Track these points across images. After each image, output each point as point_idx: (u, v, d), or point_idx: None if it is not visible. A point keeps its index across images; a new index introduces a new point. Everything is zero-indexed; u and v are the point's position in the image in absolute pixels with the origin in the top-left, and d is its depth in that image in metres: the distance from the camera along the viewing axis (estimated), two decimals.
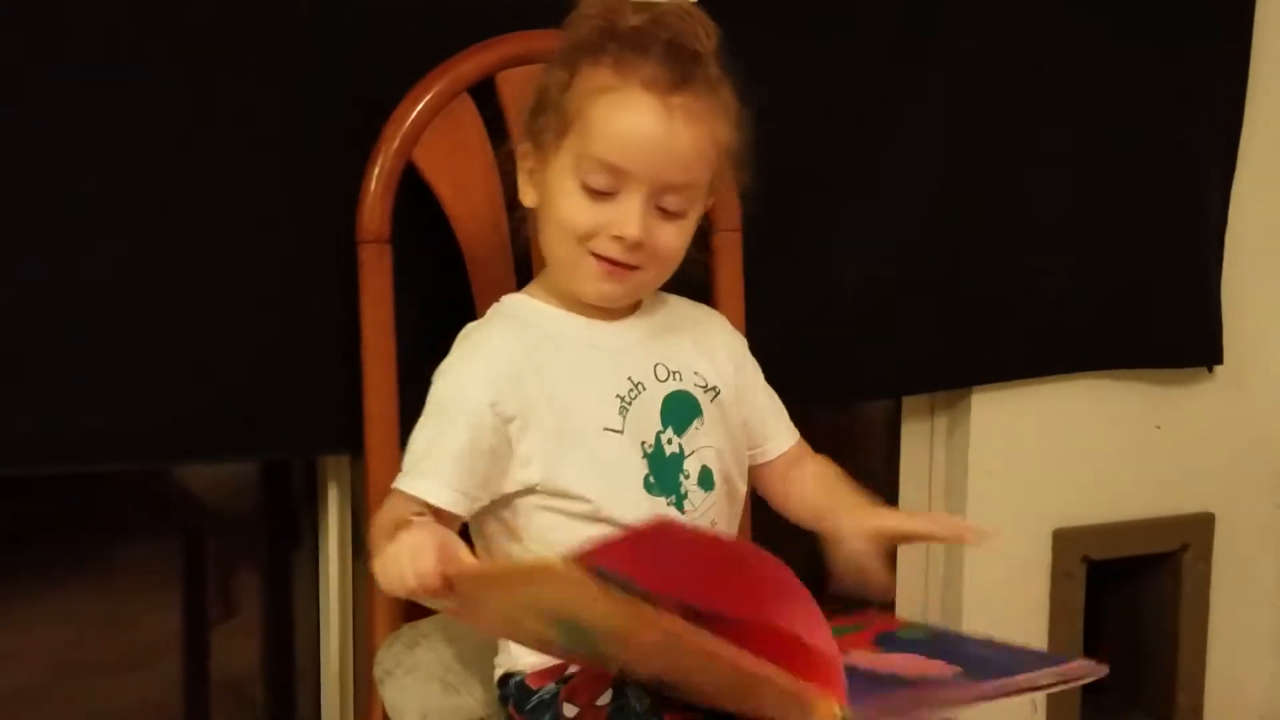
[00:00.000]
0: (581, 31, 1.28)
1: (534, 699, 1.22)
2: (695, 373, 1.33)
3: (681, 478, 1.30)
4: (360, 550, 1.59)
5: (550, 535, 1.26)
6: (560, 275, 1.30)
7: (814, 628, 1.07)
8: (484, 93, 1.45)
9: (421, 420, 1.27)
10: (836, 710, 1.02)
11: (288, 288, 1.44)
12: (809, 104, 1.66)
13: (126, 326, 1.39)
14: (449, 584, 1.10)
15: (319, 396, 1.46)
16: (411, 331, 1.44)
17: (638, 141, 1.23)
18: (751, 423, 1.38)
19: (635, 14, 1.26)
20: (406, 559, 1.10)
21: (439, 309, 1.46)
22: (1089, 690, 1.99)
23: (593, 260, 1.26)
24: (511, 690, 1.25)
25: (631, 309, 1.33)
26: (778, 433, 1.41)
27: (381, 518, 1.23)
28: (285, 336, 1.45)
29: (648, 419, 1.29)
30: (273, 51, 1.41)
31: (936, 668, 1.16)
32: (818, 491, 1.38)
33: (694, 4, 1.29)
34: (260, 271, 1.43)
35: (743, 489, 1.37)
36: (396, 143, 1.42)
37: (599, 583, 0.98)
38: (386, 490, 1.41)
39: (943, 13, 1.72)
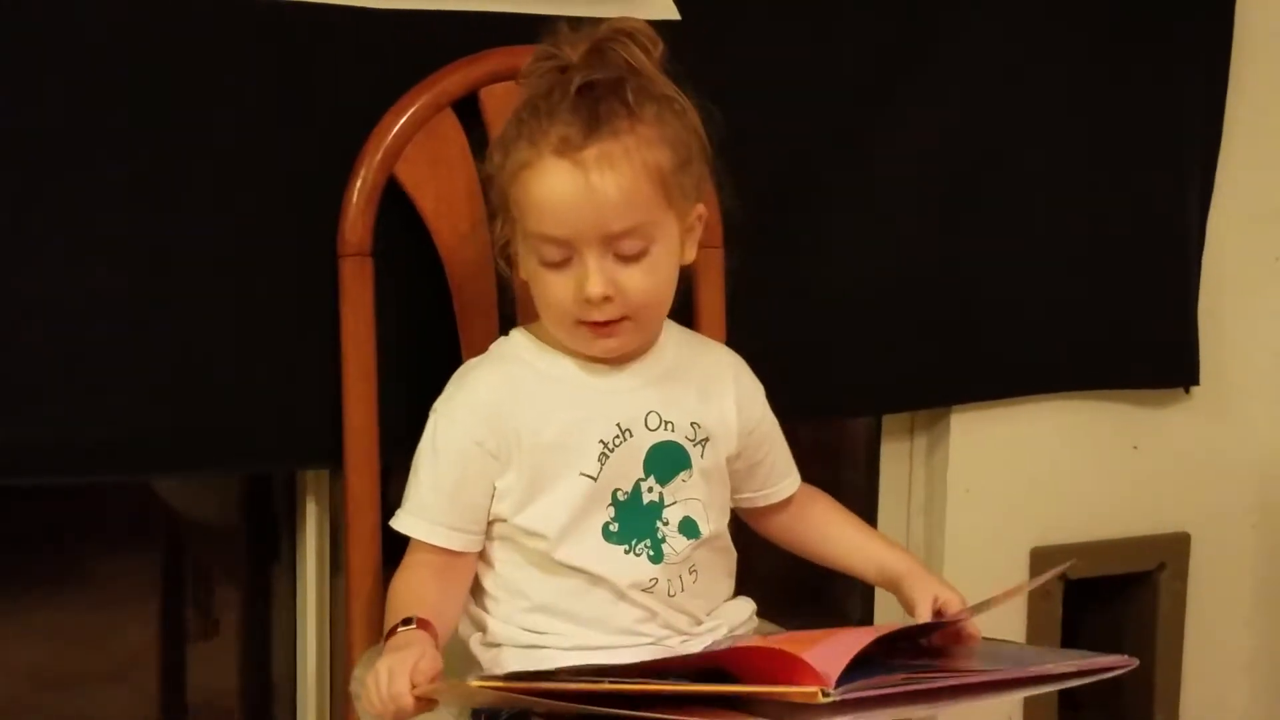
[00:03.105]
0: (530, 86, 1.28)
1: (505, 712, 1.22)
2: (692, 424, 1.33)
3: (659, 524, 1.30)
4: (338, 565, 1.58)
5: (509, 569, 1.30)
6: (562, 339, 1.31)
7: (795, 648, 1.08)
8: (467, 108, 1.45)
9: (416, 457, 1.31)
10: (819, 695, 1.04)
11: (269, 301, 1.44)
12: (789, 126, 1.66)
13: (106, 339, 1.39)
14: (426, 700, 1.13)
15: (300, 410, 1.46)
16: (393, 345, 1.44)
17: (561, 209, 1.23)
18: (764, 466, 1.41)
19: (574, 46, 1.26)
20: (385, 685, 1.14)
21: (421, 323, 1.46)
22: (1066, 708, 2.00)
23: (583, 327, 1.27)
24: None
25: (636, 353, 1.33)
26: (788, 474, 1.44)
27: (398, 579, 1.29)
28: (266, 350, 1.45)
29: (628, 467, 1.29)
30: (256, 65, 1.41)
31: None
32: (844, 535, 1.45)
33: (633, 20, 1.27)
34: (242, 284, 1.43)
35: (728, 538, 1.38)
36: (379, 156, 1.42)
37: (527, 687, 1.02)
38: (365, 505, 1.42)
39: (924, 38, 1.73)
